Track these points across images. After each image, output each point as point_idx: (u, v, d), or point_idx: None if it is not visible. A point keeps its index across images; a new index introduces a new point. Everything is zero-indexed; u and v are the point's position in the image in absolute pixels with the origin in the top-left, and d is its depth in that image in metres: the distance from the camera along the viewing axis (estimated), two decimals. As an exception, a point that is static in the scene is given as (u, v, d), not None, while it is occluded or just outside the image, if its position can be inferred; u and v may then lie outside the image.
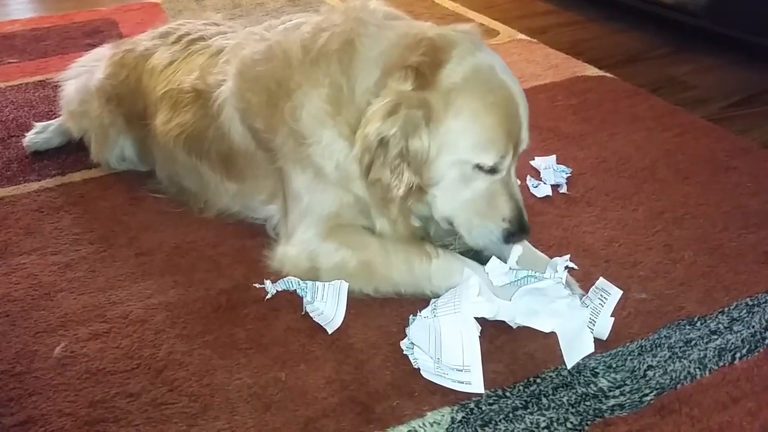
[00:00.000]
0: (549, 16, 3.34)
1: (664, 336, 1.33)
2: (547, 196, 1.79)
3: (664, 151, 2.01)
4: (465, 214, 1.37)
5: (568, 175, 1.86)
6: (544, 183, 1.82)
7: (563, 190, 1.82)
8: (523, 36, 2.95)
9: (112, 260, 1.61)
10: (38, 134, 2.11)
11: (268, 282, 1.44)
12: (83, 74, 2.04)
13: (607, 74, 2.53)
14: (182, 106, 1.67)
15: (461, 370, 1.20)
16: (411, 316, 1.31)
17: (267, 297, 1.43)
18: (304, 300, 1.39)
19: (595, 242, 1.61)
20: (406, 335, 1.28)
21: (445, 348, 1.23)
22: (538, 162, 1.91)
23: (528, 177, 1.84)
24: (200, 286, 1.49)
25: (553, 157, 1.90)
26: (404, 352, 1.26)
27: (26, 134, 2.11)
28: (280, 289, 1.43)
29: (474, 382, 1.20)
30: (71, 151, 2.08)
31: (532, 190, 1.80)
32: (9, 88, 2.58)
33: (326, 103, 1.40)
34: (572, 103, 2.32)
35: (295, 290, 1.42)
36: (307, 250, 1.43)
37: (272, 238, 1.57)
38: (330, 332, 1.33)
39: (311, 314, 1.36)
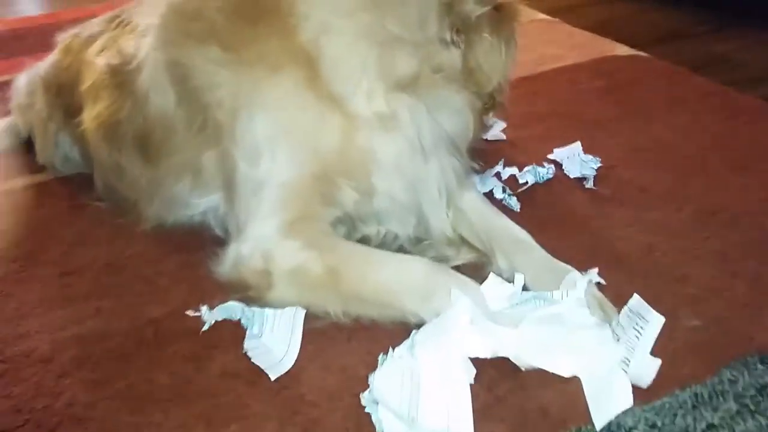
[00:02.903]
0: (571, -5, 2.99)
1: (729, 380, 0.97)
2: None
3: (714, 137, 1.65)
4: None
5: (597, 167, 1.52)
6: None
7: (590, 184, 1.47)
8: (543, 16, 2.61)
9: (33, 281, 1.31)
10: (-18, 136, 1.87)
11: (204, 308, 1.12)
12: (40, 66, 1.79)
13: (640, 53, 2.17)
14: (100, 92, 1.41)
15: None
16: (381, 356, 0.99)
17: (203, 329, 1.11)
18: (248, 332, 1.07)
19: (630, 250, 1.26)
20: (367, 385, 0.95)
21: (424, 403, 0.90)
22: (558, 153, 1.57)
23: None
24: (126, 314, 1.18)
25: (578, 144, 1.56)
26: (366, 410, 0.94)
27: (-34, 137, 1.86)
28: (219, 318, 1.12)
29: None
30: (23, 154, 1.80)
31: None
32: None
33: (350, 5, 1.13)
34: (599, 86, 1.97)
35: (240, 320, 1.10)
36: (262, 247, 1.12)
37: (222, 243, 1.24)
38: (274, 378, 1.01)
39: (250, 353, 1.03)
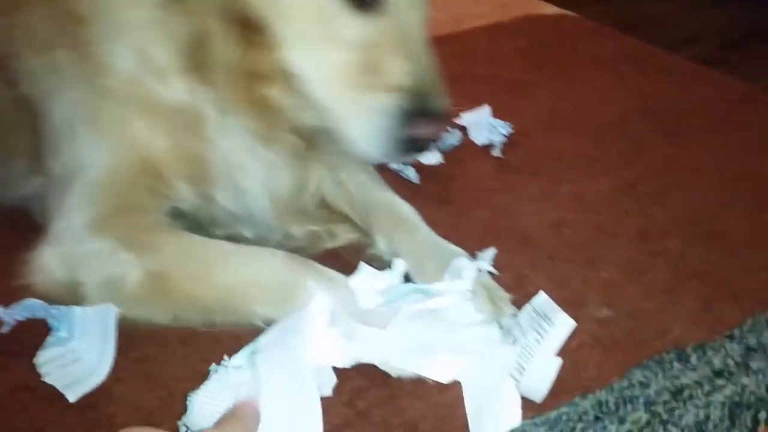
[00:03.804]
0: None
1: (639, 383, 0.80)
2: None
3: (639, 100, 1.50)
4: (336, 87, 0.86)
5: (508, 133, 1.34)
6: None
7: (497, 153, 1.29)
8: (468, -25, 2.41)
9: None
10: None
11: (0, 308, 0.90)
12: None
13: (567, 12, 2.00)
14: None
15: None
16: (213, 366, 0.78)
17: (1, 331, 0.89)
18: (54, 337, 0.84)
19: (537, 228, 1.09)
20: (187, 407, 0.74)
21: (262, 424, 0.70)
22: (465, 118, 1.38)
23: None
24: None
25: (487, 109, 1.38)
26: (182, 440, 0.73)
27: None
28: (21, 318, 0.89)
29: None
30: None
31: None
32: None
33: None
34: (520, 46, 1.79)
35: (45, 319, 0.88)
36: (66, 251, 0.88)
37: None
38: (73, 399, 0.79)
39: (45, 368, 0.81)
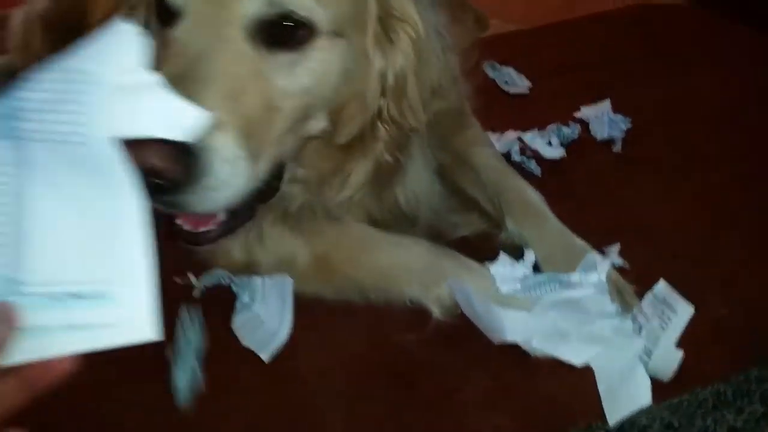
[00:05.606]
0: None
1: (756, 378, 0.89)
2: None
3: (754, 93, 1.53)
4: None
5: (627, 128, 1.40)
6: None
7: (617, 148, 1.36)
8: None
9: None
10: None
11: (192, 276, 1.05)
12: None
13: (678, 1, 2.02)
14: None
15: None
16: None
17: (195, 296, 1.05)
18: (239, 302, 1.00)
19: (660, 224, 1.16)
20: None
21: None
22: (585, 112, 1.45)
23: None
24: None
25: (607, 103, 1.44)
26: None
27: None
28: (208, 285, 1.05)
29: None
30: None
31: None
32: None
33: None
34: (633, 36, 1.83)
35: (230, 286, 1.03)
36: (243, 236, 1.03)
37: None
38: (268, 358, 0.93)
39: (240, 333, 0.96)
